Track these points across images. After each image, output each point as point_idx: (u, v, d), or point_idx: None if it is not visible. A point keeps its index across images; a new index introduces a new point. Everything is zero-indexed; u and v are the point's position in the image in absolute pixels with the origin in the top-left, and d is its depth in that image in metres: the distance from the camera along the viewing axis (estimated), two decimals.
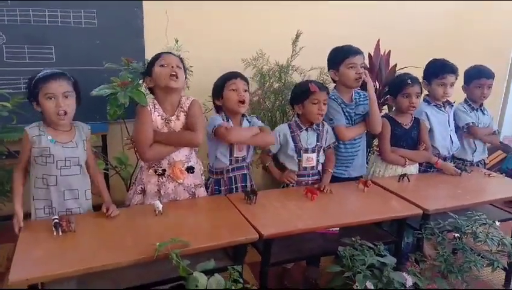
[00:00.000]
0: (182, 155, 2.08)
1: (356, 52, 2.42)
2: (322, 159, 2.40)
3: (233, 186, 2.23)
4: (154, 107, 2.04)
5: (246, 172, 2.27)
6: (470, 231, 1.91)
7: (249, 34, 3.33)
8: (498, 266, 1.85)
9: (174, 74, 1.98)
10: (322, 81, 2.97)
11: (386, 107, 3.25)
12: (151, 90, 2.13)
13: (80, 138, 1.87)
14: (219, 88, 2.20)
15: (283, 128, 2.35)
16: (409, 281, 1.65)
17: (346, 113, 2.48)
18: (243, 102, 2.15)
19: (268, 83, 3.15)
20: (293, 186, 2.32)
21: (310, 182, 2.34)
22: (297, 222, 1.87)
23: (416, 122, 2.64)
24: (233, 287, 1.42)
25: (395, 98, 2.59)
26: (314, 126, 2.35)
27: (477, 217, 1.98)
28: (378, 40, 3.34)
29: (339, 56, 2.44)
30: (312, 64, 3.16)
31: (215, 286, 1.40)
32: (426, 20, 4.00)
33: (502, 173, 2.94)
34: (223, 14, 3.30)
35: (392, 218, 2.09)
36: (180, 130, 2.07)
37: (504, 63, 4.56)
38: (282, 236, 1.82)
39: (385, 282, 1.63)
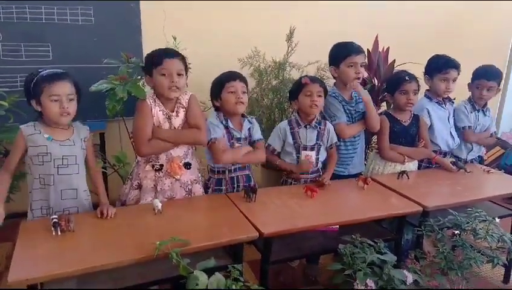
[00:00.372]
0: (180, 151, 2.07)
1: (358, 51, 2.41)
2: (322, 158, 2.39)
3: (235, 185, 2.21)
4: (155, 102, 2.03)
5: (248, 172, 2.26)
6: (469, 228, 1.91)
7: (246, 31, 3.31)
8: (498, 263, 1.85)
9: (175, 86, 1.96)
10: (320, 77, 2.97)
11: (384, 104, 3.26)
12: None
13: (78, 136, 1.84)
14: (217, 89, 2.17)
15: (283, 125, 2.36)
16: (410, 278, 1.65)
17: (347, 111, 2.48)
18: (241, 103, 2.14)
19: (266, 81, 3.14)
20: (293, 183, 2.31)
21: (309, 180, 2.34)
22: (298, 220, 1.87)
23: (416, 119, 2.64)
24: (233, 286, 1.42)
25: (392, 95, 2.60)
26: (314, 123, 2.34)
27: (476, 213, 1.98)
28: (377, 36, 3.33)
29: (341, 54, 2.43)
30: (309, 60, 3.14)
31: (215, 284, 1.39)
32: (424, 16, 3.99)
33: (500, 169, 2.95)
34: (219, 11, 3.28)
35: (392, 215, 2.09)
36: (183, 127, 2.06)
37: (502, 60, 4.55)
38: (282, 234, 1.82)
39: (386, 279, 1.63)
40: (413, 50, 3.35)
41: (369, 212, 2.03)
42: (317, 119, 2.35)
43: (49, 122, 1.77)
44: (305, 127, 2.33)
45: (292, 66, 3.16)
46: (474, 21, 4.20)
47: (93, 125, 2.43)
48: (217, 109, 2.24)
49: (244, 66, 3.04)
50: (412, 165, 2.63)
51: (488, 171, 2.69)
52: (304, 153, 2.32)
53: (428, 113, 2.67)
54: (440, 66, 2.64)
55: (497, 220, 1.97)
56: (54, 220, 1.63)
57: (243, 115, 2.24)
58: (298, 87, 2.31)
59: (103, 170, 2.54)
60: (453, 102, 2.81)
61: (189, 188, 2.11)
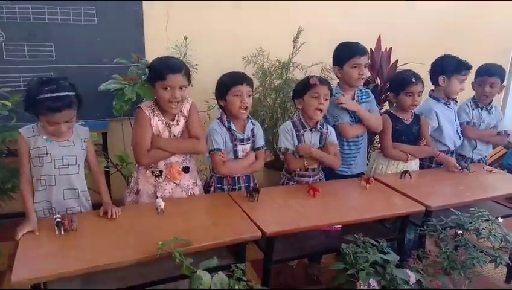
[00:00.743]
0: (179, 157, 2.08)
1: (362, 52, 2.39)
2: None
3: (237, 187, 2.21)
4: (153, 111, 2.01)
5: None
6: (472, 228, 1.91)
7: (250, 31, 3.31)
8: (501, 263, 1.85)
9: (176, 102, 1.95)
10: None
11: (387, 103, 3.26)
12: None
13: (78, 137, 1.84)
14: (223, 91, 2.15)
15: (289, 126, 2.30)
16: (412, 278, 1.65)
17: (350, 111, 2.46)
18: (245, 108, 2.13)
19: (269, 80, 3.14)
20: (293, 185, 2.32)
21: (310, 182, 2.32)
22: (300, 220, 1.87)
23: (417, 118, 2.64)
24: (236, 286, 1.42)
25: (397, 95, 2.59)
26: (319, 127, 2.31)
27: (479, 213, 1.98)
28: (379, 36, 3.33)
29: (345, 54, 2.41)
30: (312, 61, 3.14)
31: (219, 284, 1.39)
32: (427, 17, 3.98)
33: (503, 169, 2.94)
34: (223, 10, 3.28)
35: (395, 215, 2.09)
36: (182, 137, 2.07)
37: (505, 60, 4.54)
38: (284, 234, 1.82)
39: (388, 279, 1.63)
40: (415, 50, 3.36)
41: (371, 212, 2.02)
42: (320, 122, 2.34)
43: None
44: (311, 130, 2.31)
45: (296, 66, 3.15)
46: (478, 21, 4.19)
47: (96, 125, 2.45)
48: (221, 107, 2.24)
49: (247, 64, 3.04)
50: (414, 164, 2.63)
51: (491, 170, 2.68)
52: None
53: (437, 115, 2.68)
54: (460, 67, 2.64)
55: (500, 219, 1.97)
56: (57, 219, 1.63)
57: (247, 117, 2.23)
58: (305, 87, 2.26)
59: (106, 169, 2.55)
60: (456, 101, 2.81)
61: (191, 192, 2.12)
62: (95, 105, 2.34)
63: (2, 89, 2.33)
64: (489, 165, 2.96)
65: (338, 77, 2.52)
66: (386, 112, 2.69)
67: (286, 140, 2.28)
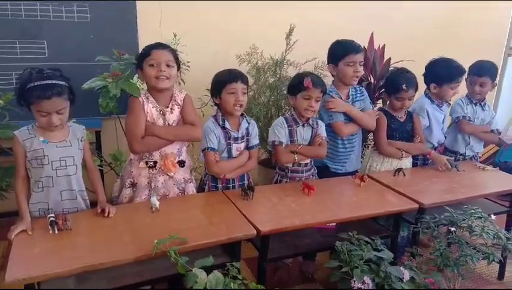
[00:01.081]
0: (173, 148, 2.07)
1: (357, 50, 2.40)
2: None
3: (231, 185, 2.21)
4: (148, 99, 2.02)
5: None
6: (465, 225, 1.93)
7: (244, 28, 3.31)
8: (493, 260, 1.87)
9: (163, 76, 1.94)
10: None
11: (380, 101, 3.27)
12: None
13: (75, 136, 1.82)
14: (218, 88, 2.15)
15: (281, 121, 2.31)
16: (406, 275, 1.66)
17: None
18: (240, 106, 2.14)
19: (263, 78, 3.13)
20: (287, 182, 2.32)
21: (303, 177, 2.34)
22: (295, 218, 1.87)
23: (410, 115, 2.67)
24: (232, 284, 1.42)
25: (389, 95, 2.61)
26: (310, 122, 2.33)
27: (472, 210, 1.99)
28: (372, 33, 3.33)
29: (340, 52, 2.42)
30: (306, 58, 3.14)
31: (214, 282, 1.39)
32: (420, 13, 3.99)
33: (495, 166, 2.96)
34: (216, 7, 3.27)
35: (389, 213, 2.10)
36: (178, 124, 2.06)
37: (498, 57, 4.57)
38: (279, 232, 1.82)
39: (382, 277, 1.64)
40: (409, 47, 3.37)
41: (365, 210, 2.03)
42: (312, 118, 2.34)
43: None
44: (303, 125, 2.32)
45: (289, 63, 3.16)
46: (471, 17, 4.21)
47: (89, 123, 2.42)
48: (216, 104, 2.24)
49: (241, 62, 3.03)
50: (407, 162, 2.65)
51: (483, 168, 2.70)
52: None
53: (428, 114, 2.70)
54: (453, 75, 2.63)
55: (493, 217, 1.99)
56: (51, 218, 1.62)
57: (241, 114, 2.23)
58: (298, 86, 2.26)
59: (99, 168, 2.53)
60: (449, 103, 2.84)
61: (183, 186, 2.11)
62: (88, 103, 2.31)
63: None
64: (482, 162, 2.99)
65: (333, 75, 2.52)
66: (381, 109, 2.70)
67: (279, 133, 2.28)
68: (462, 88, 2.83)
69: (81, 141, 1.84)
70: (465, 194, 2.27)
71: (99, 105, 2.40)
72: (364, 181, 2.27)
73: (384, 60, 3.30)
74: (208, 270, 1.44)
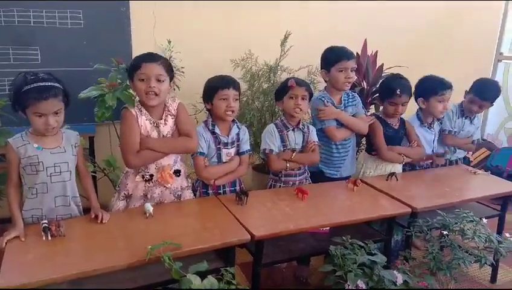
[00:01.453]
0: (169, 159, 2.04)
1: (349, 56, 2.43)
2: None
3: (221, 191, 2.21)
4: (141, 111, 1.98)
5: None
6: (457, 229, 1.95)
7: (238, 34, 3.32)
8: (486, 263, 1.88)
9: (152, 92, 1.89)
10: (309, 81, 2.99)
11: (373, 107, 3.30)
12: None
13: (68, 142, 1.81)
14: (210, 94, 2.16)
15: (272, 128, 2.33)
16: (399, 279, 1.67)
17: None
18: (231, 112, 2.14)
19: (257, 84, 3.15)
20: (281, 186, 2.33)
21: (297, 182, 2.35)
22: (289, 222, 1.88)
23: (402, 122, 2.69)
24: (226, 289, 1.42)
25: (382, 101, 2.63)
26: (301, 126, 2.35)
27: (464, 214, 2.01)
28: (365, 40, 3.37)
29: (332, 58, 2.45)
30: (300, 64, 3.16)
31: (209, 288, 1.39)
32: (413, 19, 4.04)
33: (486, 170, 2.99)
34: (211, 14, 3.28)
35: (382, 217, 2.11)
36: (172, 135, 2.04)
37: (488, 63, 4.63)
38: (273, 236, 1.83)
39: (376, 280, 1.65)
40: (401, 52, 3.40)
41: (359, 214, 2.05)
42: (302, 122, 2.37)
43: (36, 132, 1.74)
44: (293, 130, 2.34)
45: (283, 70, 3.17)
46: (462, 23, 4.25)
47: (83, 129, 2.42)
48: (207, 110, 2.24)
49: (236, 67, 3.05)
50: (399, 166, 2.67)
51: (475, 172, 2.73)
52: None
53: (417, 135, 2.72)
54: (436, 88, 2.64)
55: (484, 220, 2.01)
56: (44, 225, 1.61)
57: (232, 121, 2.24)
58: (284, 89, 2.31)
59: (93, 173, 2.52)
60: (441, 122, 2.86)
61: (179, 194, 2.10)
62: (82, 109, 2.31)
63: None
64: (474, 167, 3.02)
65: (325, 81, 2.55)
66: (374, 115, 2.72)
67: (270, 141, 2.30)
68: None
69: (75, 147, 1.84)
70: (457, 198, 2.29)
71: (94, 114, 2.40)
72: (357, 185, 2.28)
73: (377, 66, 3.33)
74: (202, 275, 1.44)
